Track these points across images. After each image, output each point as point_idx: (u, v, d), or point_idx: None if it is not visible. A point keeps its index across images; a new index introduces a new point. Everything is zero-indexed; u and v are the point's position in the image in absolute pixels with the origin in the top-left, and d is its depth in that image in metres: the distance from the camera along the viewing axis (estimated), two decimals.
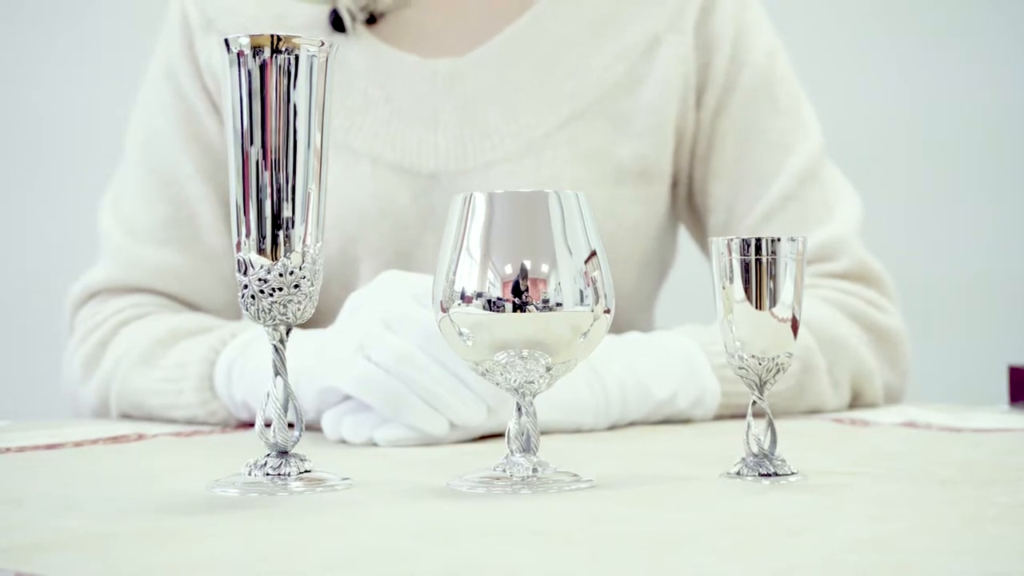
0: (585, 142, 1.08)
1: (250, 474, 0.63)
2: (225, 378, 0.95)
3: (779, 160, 1.10)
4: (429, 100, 1.07)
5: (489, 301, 0.61)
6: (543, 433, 0.85)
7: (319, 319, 1.10)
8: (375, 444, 0.82)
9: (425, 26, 1.10)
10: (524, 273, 0.61)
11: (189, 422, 0.97)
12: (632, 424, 0.92)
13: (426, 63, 1.08)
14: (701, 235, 1.17)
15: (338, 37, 1.08)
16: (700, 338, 0.95)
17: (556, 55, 1.08)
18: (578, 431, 0.88)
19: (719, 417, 0.96)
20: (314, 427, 0.86)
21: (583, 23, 1.09)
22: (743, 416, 0.95)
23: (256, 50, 0.62)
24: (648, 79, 1.09)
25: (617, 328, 1.07)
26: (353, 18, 1.09)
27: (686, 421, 0.94)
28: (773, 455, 0.66)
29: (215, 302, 1.11)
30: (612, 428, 0.90)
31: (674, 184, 1.14)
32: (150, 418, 1.00)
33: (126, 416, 1.03)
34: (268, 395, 0.64)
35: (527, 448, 0.64)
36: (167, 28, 1.14)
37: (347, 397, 0.83)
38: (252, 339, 0.95)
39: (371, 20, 1.10)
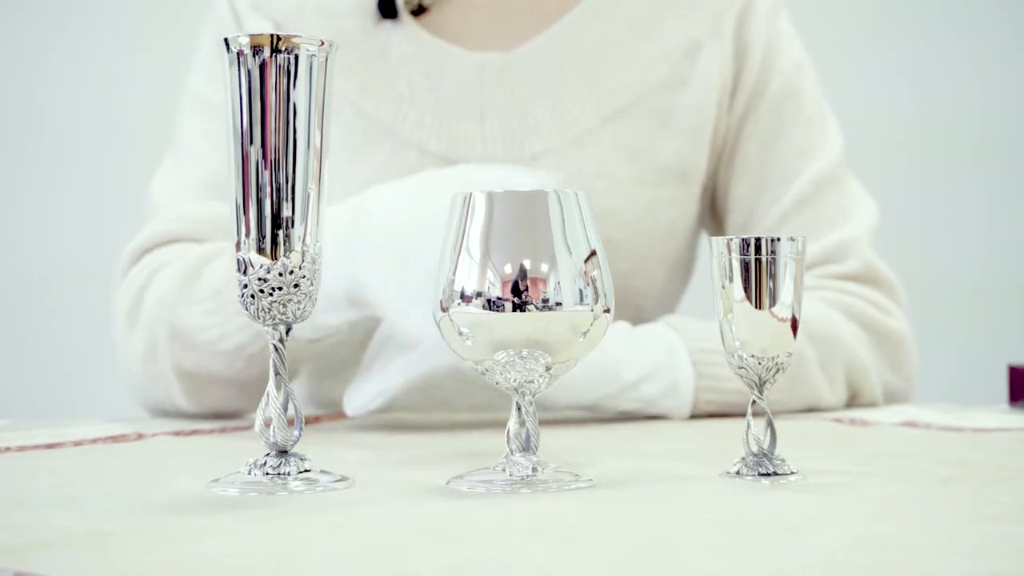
0: (629, 138, 1.09)
1: (250, 473, 0.63)
2: None
3: (800, 166, 1.12)
4: (475, 92, 1.08)
5: (489, 301, 0.61)
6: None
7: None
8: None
9: (469, 20, 1.11)
10: (523, 273, 0.61)
11: (239, 349, 0.94)
12: (601, 406, 0.94)
13: (473, 55, 1.09)
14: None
15: (384, 24, 1.09)
16: (679, 325, 0.97)
17: (598, 53, 1.10)
18: (539, 405, 0.88)
19: (700, 414, 0.96)
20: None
21: (623, 23, 1.11)
22: (724, 413, 0.96)
23: (256, 50, 0.62)
24: (690, 81, 1.11)
25: None
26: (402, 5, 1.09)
27: (666, 418, 0.95)
28: (773, 454, 0.66)
29: None
30: (588, 409, 0.93)
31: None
32: (201, 356, 0.96)
33: (180, 365, 0.97)
34: (267, 394, 0.64)
35: (527, 447, 0.64)
36: (211, 22, 1.13)
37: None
38: None
39: (417, 12, 1.10)
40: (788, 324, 0.66)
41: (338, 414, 1.04)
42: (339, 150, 1.08)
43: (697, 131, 1.12)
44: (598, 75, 1.10)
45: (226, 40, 0.63)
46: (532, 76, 1.09)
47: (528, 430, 0.64)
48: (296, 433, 0.65)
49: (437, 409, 1.07)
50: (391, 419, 1.00)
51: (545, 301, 0.61)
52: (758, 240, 0.65)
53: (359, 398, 0.91)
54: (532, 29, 1.11)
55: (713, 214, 1.18)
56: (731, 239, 0.66)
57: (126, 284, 1.04)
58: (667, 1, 1.12)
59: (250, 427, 0.94)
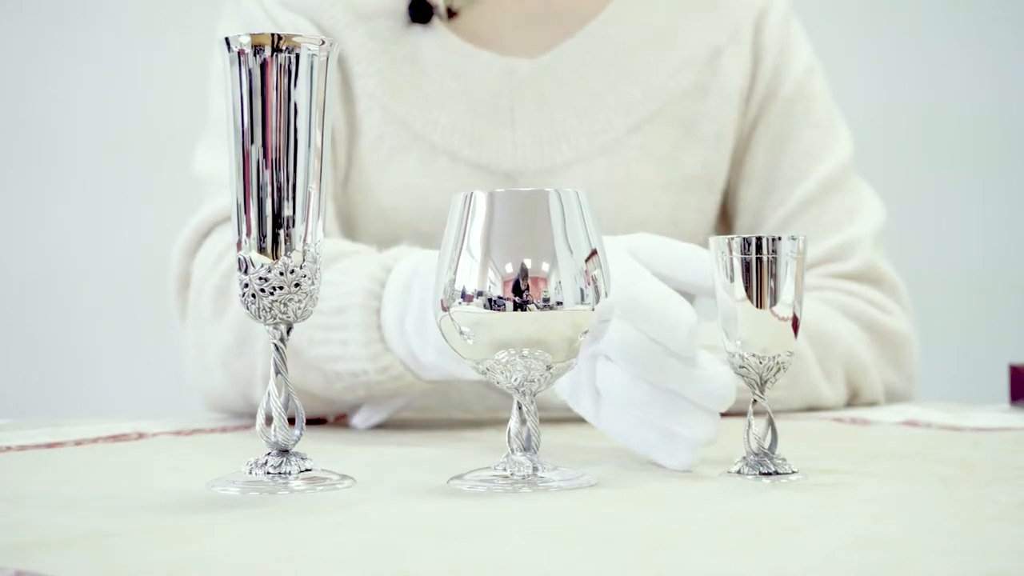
0: (656, 146, 1.10)
1: (251, 473, 0.63)
2: (397, 333, 0.84)
3: (807, 168, 1.13)
4: (506, 98, 1.08)
5: (490, 300, 0.61)
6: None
7: None
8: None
9: (497, 26, 1.11)
10: (524, 272, 0.61)
11: (354, 376, 0.87)
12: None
13: (503, 61, 1.09)
14: None
15: (414, 27, 1.08)
16: None
17: (623, 61, 1.10)
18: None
19: None
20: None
21: (646, 32, 1.11)
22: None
23: (257, 49, 0.62)
24: (713, 88, 1.12)
25: None
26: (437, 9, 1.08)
27: None
28: (774, 454, 0.66)
29: (330, 219, 1.04)
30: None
31: None
32: (303, 368, 0.89)
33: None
34: (268, 394, 0.64)
35: (528, 447, 0.64)
36: (233, 11, 1.10)
37: None
38: (412, 277, 0.83)
39: (447, 15, 1.09)
40: (789, 323, 0.66)
41: (339, 414, 1.04)
42: (368, 158, 1.07)
43: (720, 138, 1.12)
44: (623, 83, 1.10)
45: (227, 39, 0.63)
46: (560, 83, 1.09)
47: (529, 429, 0.64)
48: (297, 432, 0.65)
49: (454, 410, 1.07)
50: (391, 419, 1.00)
51: (546, 300, 0.61)
52: (759, 239, 0.65)
53: (363, 412, 0.93)
54: (559, 34, 1.11)
55: (723, 217, 1.18)
56: (732, 238, 0.66)
57: (206, 263, 0.98)
58: (688, 9, 1.12)
59: (251, 426, 0.94)
